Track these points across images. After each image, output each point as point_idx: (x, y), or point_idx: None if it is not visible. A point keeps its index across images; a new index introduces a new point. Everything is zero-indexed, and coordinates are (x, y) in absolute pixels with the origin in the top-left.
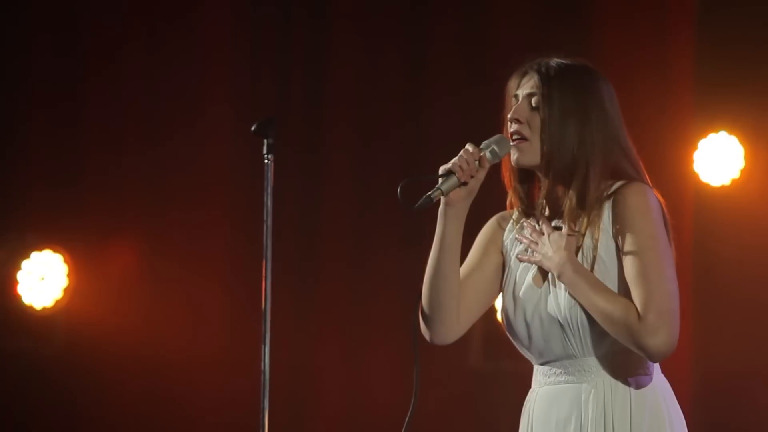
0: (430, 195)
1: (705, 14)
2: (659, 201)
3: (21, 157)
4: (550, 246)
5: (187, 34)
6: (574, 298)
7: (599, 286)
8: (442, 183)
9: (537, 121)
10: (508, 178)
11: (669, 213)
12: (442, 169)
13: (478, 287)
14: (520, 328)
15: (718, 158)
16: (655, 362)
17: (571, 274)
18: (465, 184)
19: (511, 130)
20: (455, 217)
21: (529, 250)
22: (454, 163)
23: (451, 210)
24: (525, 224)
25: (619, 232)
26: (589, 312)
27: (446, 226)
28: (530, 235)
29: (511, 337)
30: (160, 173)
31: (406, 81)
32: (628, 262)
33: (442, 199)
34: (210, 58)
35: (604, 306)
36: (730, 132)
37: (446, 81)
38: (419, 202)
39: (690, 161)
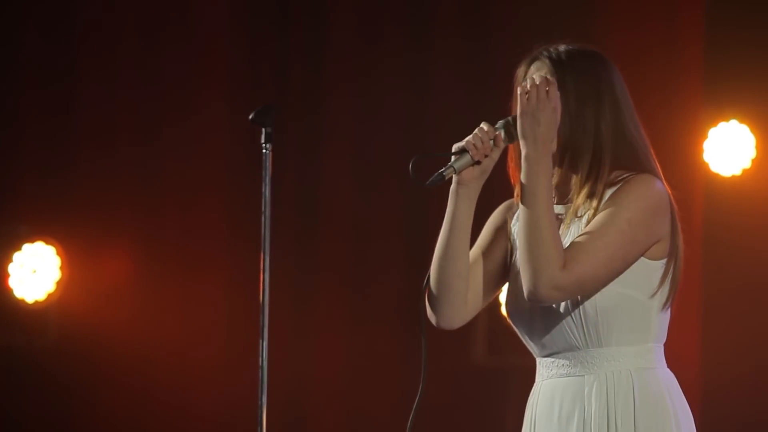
0: (442, 172)
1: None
2: (666, 193)
3: (13, 147)
4: (534, 117)
5: (183, 21)
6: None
7: (551, 207)
8: (455, 161)
9: None
10: (513, 168)
11: (678, 204)
12: (455, 147)
13: (487, 272)
14: (523, 317)
15: (728, 148)
16: (529, 298)
17: (533, 154)
18: (478, 163)
19: None
20: (467, 197)
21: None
22: (468, 141)
23: (463, 189)
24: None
25: (604, 204)
26: (521, 206)
27: (457, 205)
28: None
29: (514, 326)
30: (155, 163)
31: (407, 66)
32: (593, 227)
33: (454, 177)
34: (206, 45)
35: (545, 229)
36: (741, 121)
37: (449, 65)
38: (431, 179)
39: (700, 151)
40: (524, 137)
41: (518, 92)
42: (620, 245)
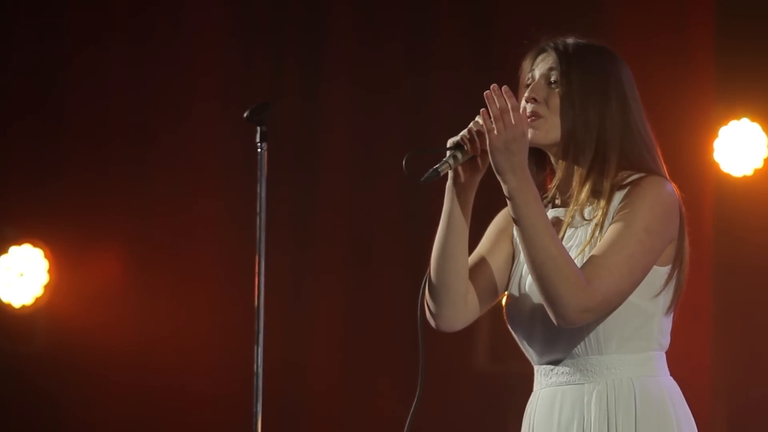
0: (437, 168)
1: None
2: (677, 196)
3: None
4: (507, 149)
5: (175, 15)
6: None
7: (553, 231)
8: (450, 156)
9: (555, 99)
10: None
11: (687, 205)
12: (450, 142)
13: (488, 275)
14: (522, 324)
15: (739, 147)
16: (559, 324)
17: (516, 185)
18: (475, 157)
19: (528, 111)
20: (464, 193)
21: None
22: (463, 135)
23: (459, 185)
24: None
25: (618, 213)
26: (522, 239)
27: (454, 202)
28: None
29: (513, 332)
30: (147, 163)
31: (407, 61)
32: (611, 239)
33: (450, 173)
34: (199, 41)
35: (558, 256)
36: (753, 119)
37: (450, 59)
38: (425, 175)
39: (710, 150)
40: (501, 172)
41: (483, 120)
42: (641, 256)
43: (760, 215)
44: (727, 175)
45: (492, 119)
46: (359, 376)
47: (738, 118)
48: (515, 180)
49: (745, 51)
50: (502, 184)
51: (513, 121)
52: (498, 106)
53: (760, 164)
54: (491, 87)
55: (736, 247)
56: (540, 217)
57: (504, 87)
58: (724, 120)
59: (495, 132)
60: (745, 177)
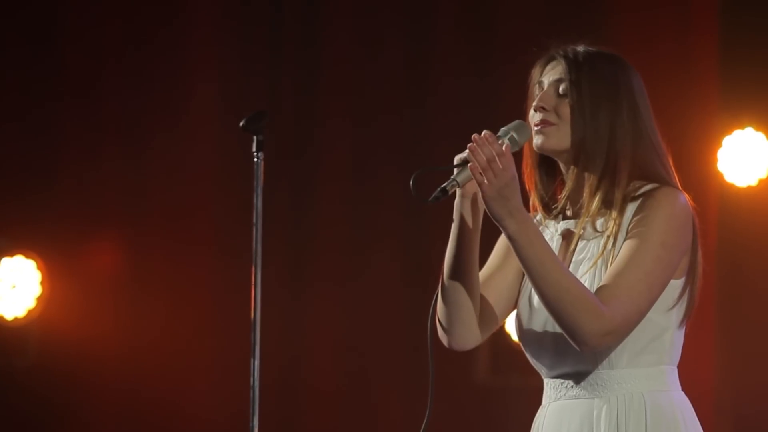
0: (444, 187)
1: (729, 4)
2: (690, 207)
3: None
4: (501, 196)
5: (172, 24)
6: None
7: (561, 263)
8: (457, 174)
9: (565, 108)
10: (528, 174)
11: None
12: (457, 159)
13: (500, 290)
14: (533, 336)
15: (744, 156)
16: (583, 350)
17: (516, 228)
18: None
19: (537, 119)
20: (472, 211)
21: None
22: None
23: (467, 203)
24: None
25: (632, 228)
26: (531, 278)
27: (463, 220)
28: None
29: (522, 346)
30: (141, 173)
31: (405, 72)
32: (627, 256)
33: (458, 191)
34: (196, 50)
35: (572, 288)
36: (757, 128)
37: (449, 73)
38: (433, 195)
39: (714, 160)
40: (499, 219)
41: (473, 174)
42: (659, 272)
43: (764, 225)
44: (731, 185)
45: (481, 171)
46: (357, 390)
47: (742, 127)
48: (514, 223)
49: (750, 60)
50: (502, 229)
51: (501, 166)
52: (485, 157)
53: (764, 174)
54: (473, 138)
55: (740, 257)
56: (546, 253)
57: (485, 133)
58: (728, 129)
59: (486, 182)
60: (749, 187)
